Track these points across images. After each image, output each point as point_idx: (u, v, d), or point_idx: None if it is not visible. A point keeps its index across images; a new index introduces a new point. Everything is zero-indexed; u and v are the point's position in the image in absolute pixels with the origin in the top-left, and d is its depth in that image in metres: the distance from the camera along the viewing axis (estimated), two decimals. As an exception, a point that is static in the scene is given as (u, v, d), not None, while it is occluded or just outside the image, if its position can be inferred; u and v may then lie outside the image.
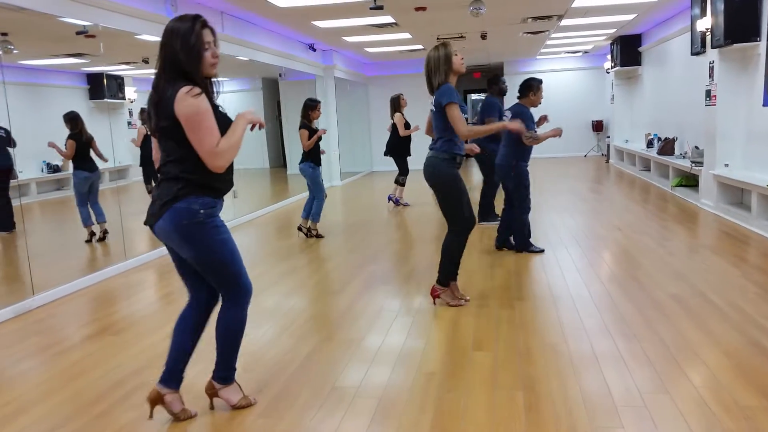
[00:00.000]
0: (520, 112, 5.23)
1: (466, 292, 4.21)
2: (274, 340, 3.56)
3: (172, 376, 2.57)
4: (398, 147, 8.45)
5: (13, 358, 3.47)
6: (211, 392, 2.66)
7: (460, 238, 3.98)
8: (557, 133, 5.18)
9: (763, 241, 5.50)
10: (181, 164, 2.37)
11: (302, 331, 3.69)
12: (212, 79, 2.47)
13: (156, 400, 2.55)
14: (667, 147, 9.25)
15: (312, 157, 6.40)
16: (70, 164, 6.10)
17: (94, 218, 6.14)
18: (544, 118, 5.68)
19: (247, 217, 8.11)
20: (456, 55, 3.82)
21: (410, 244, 6.24)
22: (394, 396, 2.76)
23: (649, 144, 10.45)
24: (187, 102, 2.27)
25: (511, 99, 5.95)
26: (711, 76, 6.98)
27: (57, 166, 6.65)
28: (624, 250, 5.36)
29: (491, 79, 6.82)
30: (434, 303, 4.06)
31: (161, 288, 5.04)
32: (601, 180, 10.83)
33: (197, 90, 2.29)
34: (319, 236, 6.62)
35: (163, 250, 5.91)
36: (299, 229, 6.69)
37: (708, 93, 7.07)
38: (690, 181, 8.28)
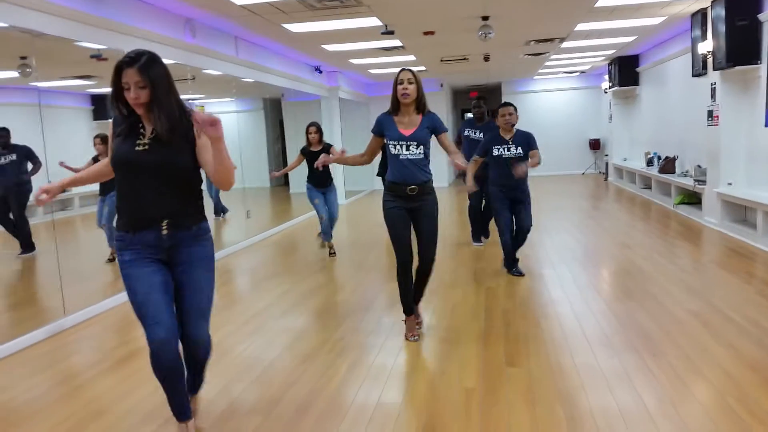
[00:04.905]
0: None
1: (492, 309, 4.32)
2: (303, 364, 3.65)
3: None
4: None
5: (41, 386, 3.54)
6: None
7: (397, 271, 3.81)
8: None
9: (770, 257, 5.66)
10: None
11: (335, 351, 3.79)
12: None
13: None
14: (668, 165, 9.45)
15: (309, 176, 6.49)
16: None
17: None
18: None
19: (257, 237, 8.19)
20: (401, 83, 3.57)
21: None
22: (439, 410, 2.86)
23: (649, 162, 10.65)
24: None
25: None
26: (713, 97, 7.20)
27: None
28: (638, 268, 5.49)
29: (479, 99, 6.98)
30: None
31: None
32: (601, 197, 11.02)
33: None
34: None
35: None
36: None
37: (710, 113, 7.28)
38: (692, 198, 8.46)
